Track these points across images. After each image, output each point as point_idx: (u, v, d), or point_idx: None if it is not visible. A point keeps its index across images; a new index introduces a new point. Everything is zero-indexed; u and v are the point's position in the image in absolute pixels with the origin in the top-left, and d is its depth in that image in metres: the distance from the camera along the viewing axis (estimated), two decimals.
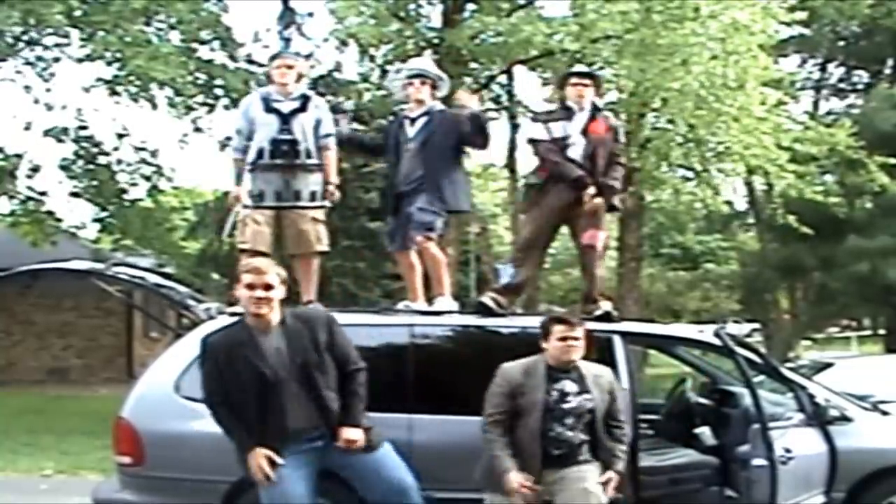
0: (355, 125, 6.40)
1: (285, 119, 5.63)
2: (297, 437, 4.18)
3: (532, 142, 5.87)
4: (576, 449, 4.32)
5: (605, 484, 4.29)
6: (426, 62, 6.19)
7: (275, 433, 4.16)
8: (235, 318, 4.39)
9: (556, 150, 5.71)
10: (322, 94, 6.12)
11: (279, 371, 4.14)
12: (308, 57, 15.09)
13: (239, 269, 4.29)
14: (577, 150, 5.68)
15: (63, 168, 14.94)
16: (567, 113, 5.79)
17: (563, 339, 4.38)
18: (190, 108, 14.18)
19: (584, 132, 5.70)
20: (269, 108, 5.66)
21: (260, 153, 5.62)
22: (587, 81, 5.83)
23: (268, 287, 4.15)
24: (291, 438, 4.17)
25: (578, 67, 6.10)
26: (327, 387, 4.20)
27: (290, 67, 5.76)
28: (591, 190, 5.61)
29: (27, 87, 14.53)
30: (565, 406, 4.33)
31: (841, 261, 19.57)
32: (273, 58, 5.98)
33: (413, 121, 5.84)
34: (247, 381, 4.14)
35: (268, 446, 4.15)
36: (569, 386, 4.36)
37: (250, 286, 4.14)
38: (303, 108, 5.69)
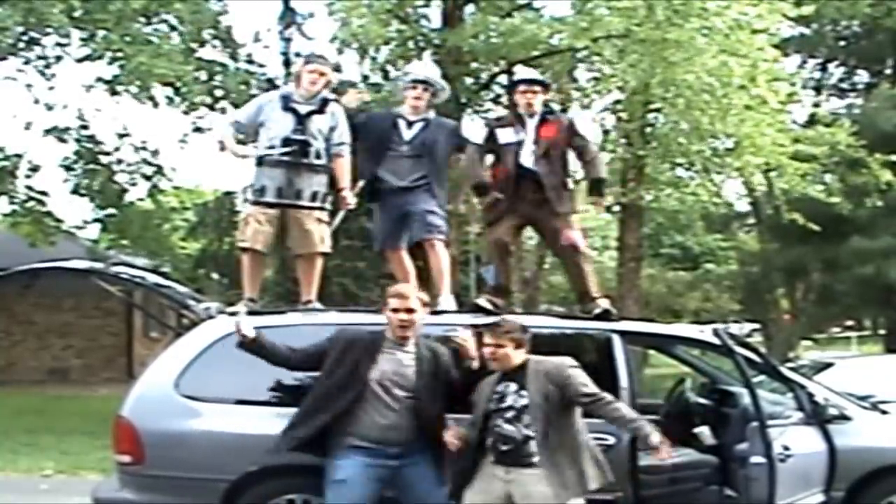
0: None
1: (300, 119, 5.65)
2: (379, 450, 4.47)
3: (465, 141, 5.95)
4: (522, 445, 4.31)
5: (658, 448, 4.25)
6: (430, 69, 6.19)
7: (356, 434, 4.48)
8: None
9: (476, 156, 5.84)
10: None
11: (386, 381, 4.50)
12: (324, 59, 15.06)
13: (386, 294, 4.75)
14: (528, 157, 5.70)
15: (65, 168, 14.95)
16: (519, 119, 5.81)
17: (487, 345, 4.47)
18: (192, 106, 14.17)
19: (536, 138, 5.72)
20: (286, 107, 5.69)
21: (270, 149, 5.64)
22: (536, 88, 5.83)
23: (409, 310, 4.59)
24: (373, 450, 4.46)
25: (526, 74, 6.03)
26: (431, 412, 4.54)
27: (322, 75, 5.77)
28: (494, 195, 5.69)
29: (29, 86, 14.55)
30: (502, 405, 4.39)
31: (843, 262, 19.55)
32: (307, 60, 5.94)
33: (410, 123, 5.88)
34: (342, 375, 4.50)
35: (346, 442, 4.49)
36: (510, 387, 4.42)
37: (395, 309, 4.60)
38: (320, 111, 5.71)
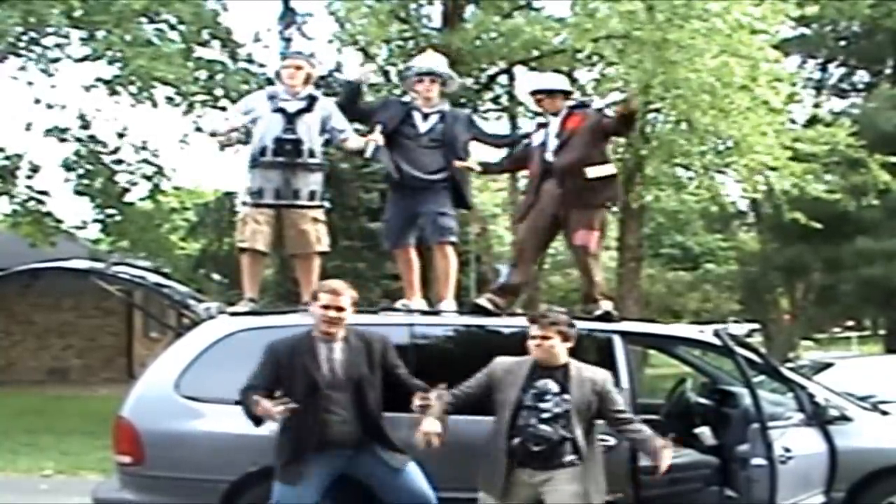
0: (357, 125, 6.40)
1: (290, 118, 5.64)
2: (333, 447, 4.45)
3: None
4: (557, 447, 4.30)
5: (660, 452, 4.31)
6: (436, 60, 6.12)
7: (313, 441, 4.41)
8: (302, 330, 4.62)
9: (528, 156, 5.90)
10: (325, 95, 6.14)
11: (332, 380, 4.45)
12: (310, 56, 15.06)
13: (317, 289, 4.64)
14: (552, 154, 5.71)
15: (66, 168, 14.96)
16: (545, 123, 5.88)
17: (533, 337, 4.44)
18: (191, 106, 14.17)
19: (559, 134, 5.71)
20: (275, 107, 5.68)
21: (262, 151, 5.63)
22: (541, 96, 5.86)
23: (340, 309, 4.51)
24: (329, 448, 4.44)
25: (537, 84, 6.01)
26: (374, 403, 4.53)
27: (298, 69, 5.76)
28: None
29: (30, 83, 14.55)
30: (542, 405, 4.36)
31: (846, 262, 19.53)
32: (284, 57, 5.97)
33: (425, 116, 5.84)
34: (300, 385, 4.42)
35: (303, 452, 4.41)
36: (550, 385, 4.39)
37: (325, 307, 4.50)
38: (308, 109, 5.70)
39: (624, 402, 4.54)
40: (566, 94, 5.88)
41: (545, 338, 4.40)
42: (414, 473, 4.57)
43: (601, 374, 4.50)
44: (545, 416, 4.33)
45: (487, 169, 6.34)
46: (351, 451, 4.50)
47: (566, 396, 4.35)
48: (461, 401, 4.46)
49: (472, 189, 6.08)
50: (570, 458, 4.32)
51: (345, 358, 4.50)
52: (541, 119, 5.98)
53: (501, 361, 4.53)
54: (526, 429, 4.32)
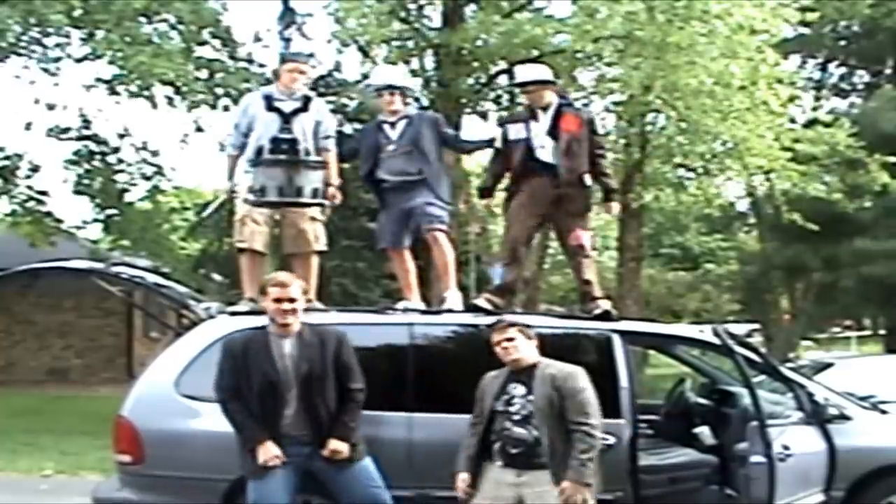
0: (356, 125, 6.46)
1: (286, 118, 5.65)
2: (289, 442, 4.46)
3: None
4: (534, 447, 4.31)
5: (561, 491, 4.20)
6: (392, 72, 6.23)
7: (271, 435, 4.44)
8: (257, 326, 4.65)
9: (493, 159, 5.94)
10: (322, 94, 6.18)
11: (284, 376, 4.45)
12: (310, 56, 15.08)
13: (264, 283, 4.65)
14: (546, 152, 5.70)
15: (67, 167, 14.96)
16: (531, 114, 5.82)
17: (497, 343, 4.48)
18: (193, 105, 14.16)
19: (552, 132, 5.69)
20: (270, 107, 5.68)
21: (259, 151, 5.63)
22: (530, 89, 5.84)
23: (292, 300, 4.52)
24: (284, 442, 4.45)
25: (524, 76, 5.95)
26: (324, 400, 4.51)
27: (301, 73, 5.79)
28: None
29: (32, 82, 14.56)
30: (511, 409, 4.40)
31: (845, 261, 19.53)
32: (287, 59, 5.94)
33: (393, 124, 5.93)
34: (255, 382, 4.45)
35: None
36: (518, 389, 4.43)
37: (277, 299, 4.51)
38: (304, 109, 5.72)
39: (592, 407, 4.33)
40: (549, 85, 5.86)
41: (509, 339, 4.44)
42: (366, 472, 4.57)
43: (565, 370, 4.41)
44: (515, 418, 4.37)
45: (483, 195, 6.28)
46: (308, 449, 4.49)
47: (530, 397, 4.38)
48: (481, 435, 4.47)
49: (448, 187, 6.11)
50: (546, 458, 4.30)
51: (297, 354, 4.49)
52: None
53: (486, 376, 4.58)
54: (502, 432, 4.38)
